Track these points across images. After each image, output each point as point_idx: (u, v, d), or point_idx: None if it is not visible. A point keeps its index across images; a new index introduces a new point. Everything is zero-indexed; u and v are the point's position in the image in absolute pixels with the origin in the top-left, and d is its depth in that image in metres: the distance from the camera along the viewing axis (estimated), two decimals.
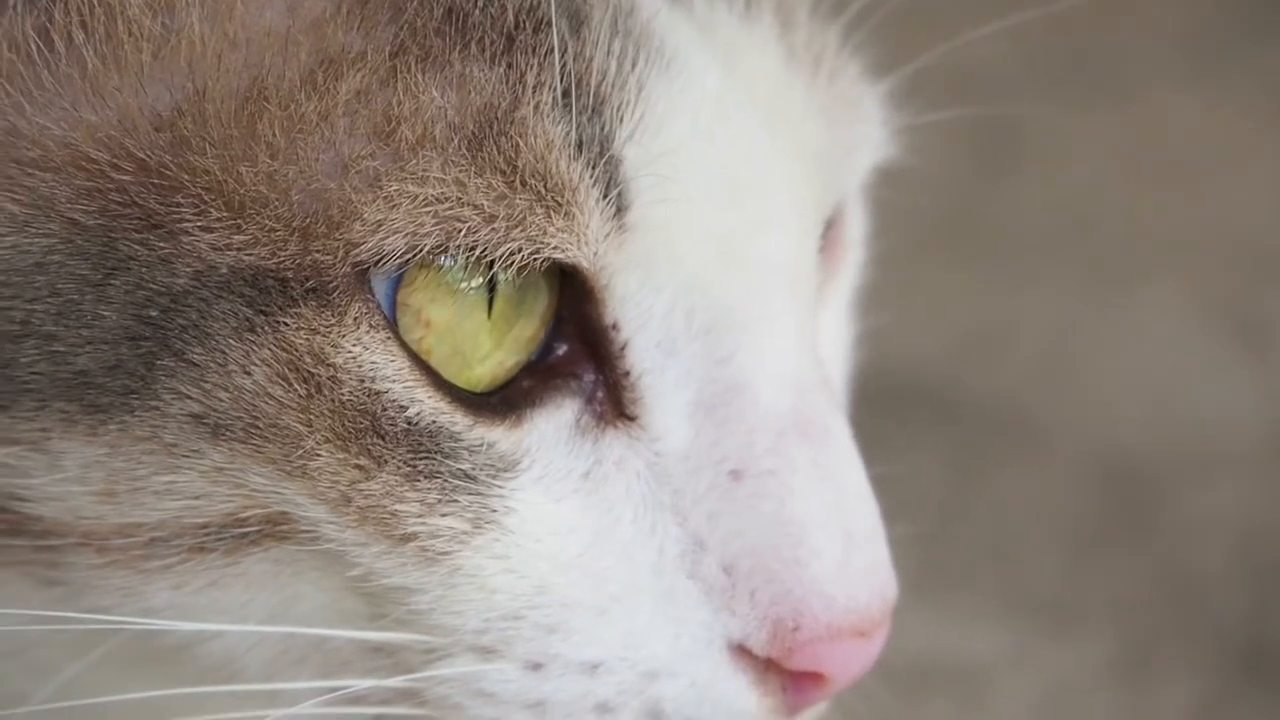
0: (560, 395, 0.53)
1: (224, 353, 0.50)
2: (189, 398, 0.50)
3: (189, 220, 0.50)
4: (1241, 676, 0.99)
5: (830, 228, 0.61)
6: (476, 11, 0.51)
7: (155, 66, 0.50)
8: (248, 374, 0.50)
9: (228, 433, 0.50)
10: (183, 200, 0.50)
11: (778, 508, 0.53)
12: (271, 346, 0.50)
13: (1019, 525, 1.07)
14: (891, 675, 0.91)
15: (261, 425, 0.50)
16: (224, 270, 0.50)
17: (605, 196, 0.51)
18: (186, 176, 0.50)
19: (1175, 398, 1.19)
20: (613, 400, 0.53)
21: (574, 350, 0.53)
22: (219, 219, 0.50)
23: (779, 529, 0.53)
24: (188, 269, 0.50)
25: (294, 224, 0.50)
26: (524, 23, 0.51)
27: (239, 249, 0.50)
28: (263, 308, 0.50)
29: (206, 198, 0.50)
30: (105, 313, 0.50)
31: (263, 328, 0.50)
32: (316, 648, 0.53)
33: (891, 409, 1.08)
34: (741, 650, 0.53)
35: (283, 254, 0.50)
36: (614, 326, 0.53)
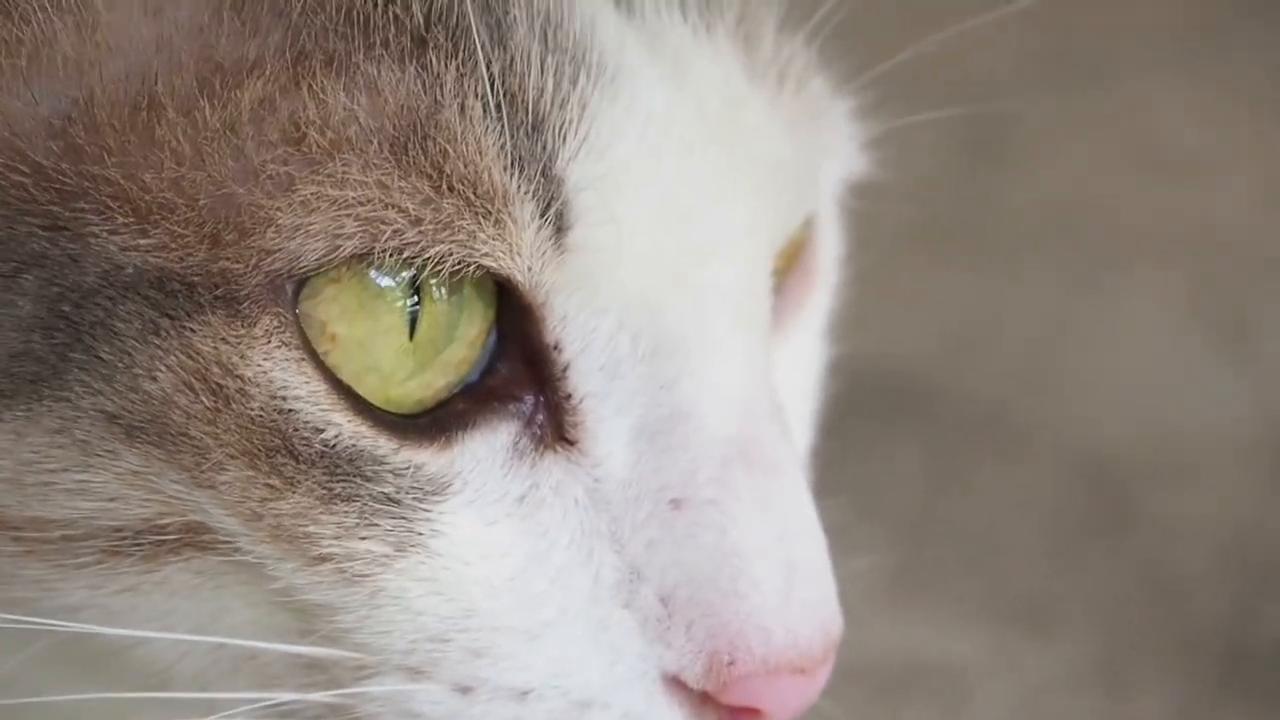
0: (497, 418, 0.52)
1: (130, 355, 0.49)
2: (101, 394, 0.49)
3: (94, 224, 0.49)
4: (1222, 679, 0.99)
5: (801, 252, 0.60)
6: (377, 13, 0.50)
7: (33, 74, 0.49)
8: (153, 379, 0.49)
9: (142, 435, 0.49)
10: (86, 205, 0.49)
11: (718, 538, 0.52)
12: (178, 353, 0.49)
13: (1000, 526, 1.07)
14: (870, 677, 0.91)
15: (171, 432, 0.49)
16: (130, 271, 0.49)
17: (544, 214, 0.50)
18: (87, 184, 0.49)
19: (1158, 398, 1.18)
20: (553, 423, 0.52)
21: (516, 371, 0.52)
22: (125, 224, 0.49)
23: (718, 560, 0.52)
24: (96, 268, 0.49)
25: (204, 230, 0.49)
26: (435, 26, 0.50)
27: (146, 251, 0.49)
28: (169, 311, 0.49)
29: (110, 204, 0.49)
30: (20, 302, 0.49)
31: (168, 332, 0.49)
32: (248, 659, 0.52)
33: (873, 408, 1.08)
34: (677, 682, 0.52)
35: (191, 260, 0.49)
36: (555, 347, 0.52)
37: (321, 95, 0.49)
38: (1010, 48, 1.45)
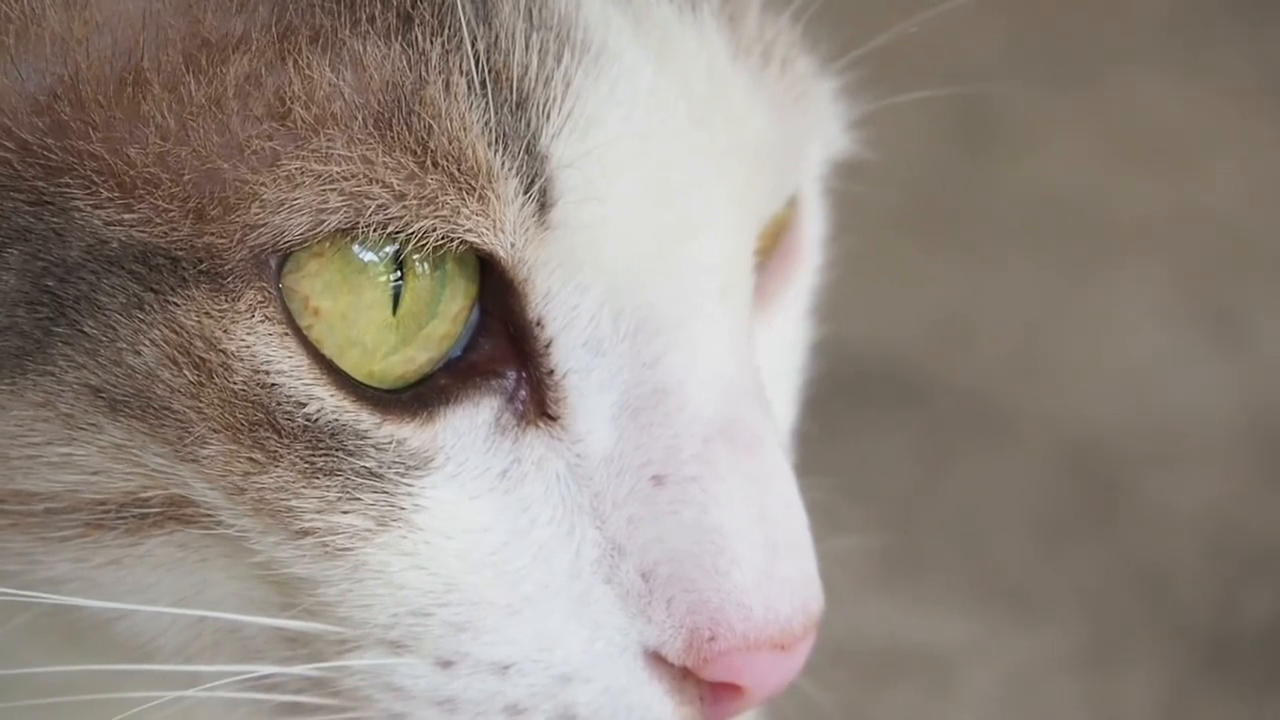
0: (480, 393, 0.52)
1: (114, 328, 0.49)
2: (84, 368, 0.49)
3: (79, 199, 0.49)
4: (1207, 666, 0.99)
5: (785, 232, 0.60)
6: None
7: (21, 51, 0.49)
8: (137, 353, 0.49)
9: (126, 409, 0.49)
10: (71, 180, 0.49)
11: (699, 515, 0.52)
12: (161, 327, 0.49)
13: (987, 513, 1.07)
14: (856, 661, 0.91)
15: (155, 406, 0.49)
16: (115, 245, 0.49)
17: (527, 191, 0.50)
18: (72, 159, 0.49)
19: (1146, 386, 1.19)
20: (535, 399, 0.52)
21: (499, 347, 0.52)
22: (110, 198, 0.49)
23: (699, 537, 0.52)
24: (80, 243, 0.49)
25: (188, 205, 0.49)
26: (422, 3, 0.50)
27: (130, 225, 0.49)
28: (153, 285, 0.49)
29: (95, 179, 0.49)
30: (4, 276, 0.49)
31: (152, 306, 0.49)
32: (230, 633, 0.52)
33: (861, 394, 1.08)
34: (657, 658, 0.52)
35: (175, 234, 0.49)
36: (538, 323, 0.52)
37: (307, 71, 0.49)
38: (999, 36, 1.45)
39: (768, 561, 0.52)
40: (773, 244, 0.60)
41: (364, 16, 0.50)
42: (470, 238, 0.50)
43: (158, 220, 0.49)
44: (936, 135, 1.33)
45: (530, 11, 0.51)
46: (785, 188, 0.57)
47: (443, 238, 0.50)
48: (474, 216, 0.50)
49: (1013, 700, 0.96)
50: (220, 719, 0.54)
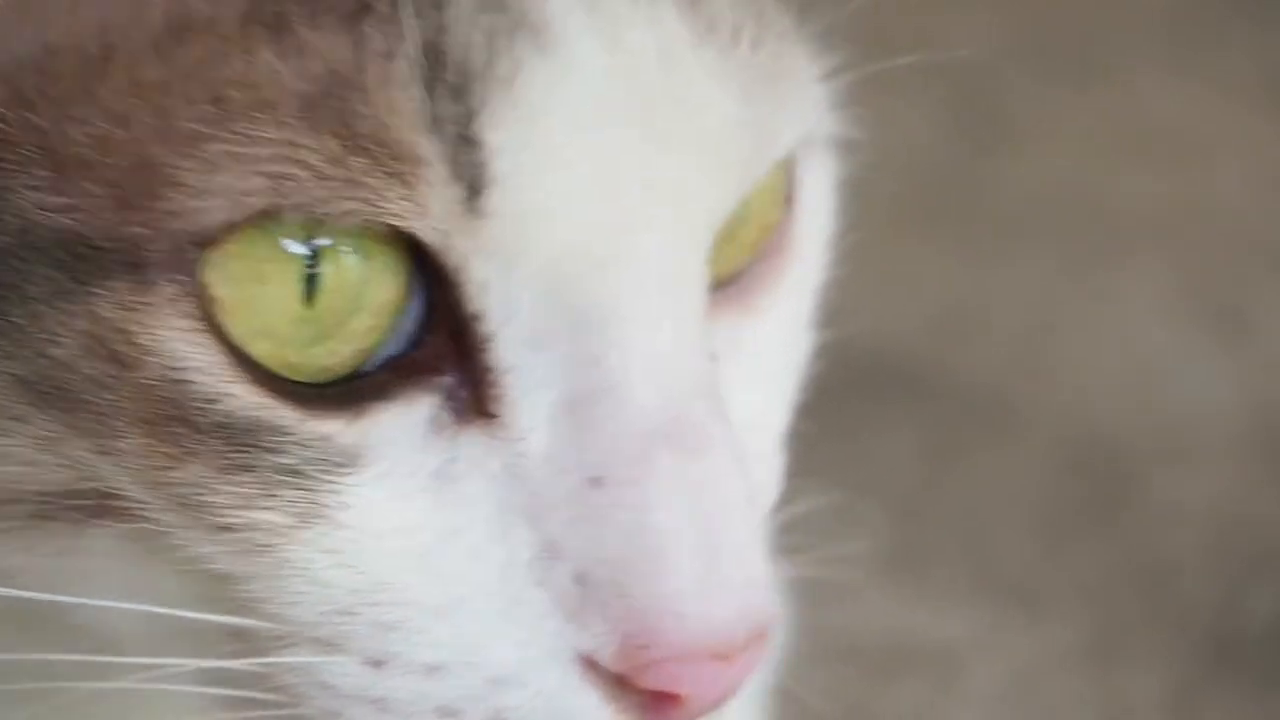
0: (418, 390, 0.50)
1: (38, 317, 0.48)
2: (11, 358, 0.49)
3: (14, 176, 0.48)
4: (1213, 663, 0.99)
5: (775, 228, 0.58)
6: None
7: (8, 17, 0.49)
8: (57, 344, 0.48)
9: (50, 401, 0.49)
10: (10, 156, 0.48)
11: (635, 518, 0.50)
12: (82, 317, 0.48)
13: (992, 507, 1.07)
14: (861, 657, 0.91)
15: (75, 399, 0.49)
16: (43, 231, 0.48)
17: (457, 177, 0.49)
18: (18, 133, 0.48)
19: (1153, 382, 1.18)
20: (475, 397, 0.51)
21: (442, 344, 0.51)
22: (43, 178, 0.48)
23: (634, 541, 0.50)
24: (12, 225, 0.48)
25: (115, 191, 0.48)
26: None
27: (58, 211, 0.48)
28: (76, 275, 0.48)
29: (34, 155, 0.48)
30: None
31: (74, 295, 0.48)
32: (185, 626, 0.51)
33: (866, 388, 1.08)
34: (592, 664, 0.50)
35: (101, 221, 0.48)
36: (476, 318, 0.50)
37: (251, 56, 0.48)
38: (1003, 30, 1.44)
39: (706, 568, 0.50)
40: (761, 238, 0.58)
41: (323, 7, 0.49)
42: (394, 221, 0.49)
43: (84, 207, 0.48)
44: (940, 130, 1.33)
45: None
46: (748, 177, 0.55)
47: (364, 221, 0.48)
48: (399, 201, 0.48)
49: (1018, 696, 0.95)
50: (180, 711, 0.53)
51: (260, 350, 0.49)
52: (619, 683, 0.51)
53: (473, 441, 0.51)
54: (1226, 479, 1.11)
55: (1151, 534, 1.06)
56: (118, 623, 0.51)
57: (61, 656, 0.51)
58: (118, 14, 0.49)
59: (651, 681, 0.50)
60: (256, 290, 0.49)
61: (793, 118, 0.56)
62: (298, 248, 0.49)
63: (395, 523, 0.50)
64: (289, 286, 0.49)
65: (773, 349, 0.59)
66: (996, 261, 1.27)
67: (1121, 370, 1.19)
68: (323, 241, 0.49)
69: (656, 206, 0.51)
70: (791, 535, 0.67)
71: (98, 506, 0.50)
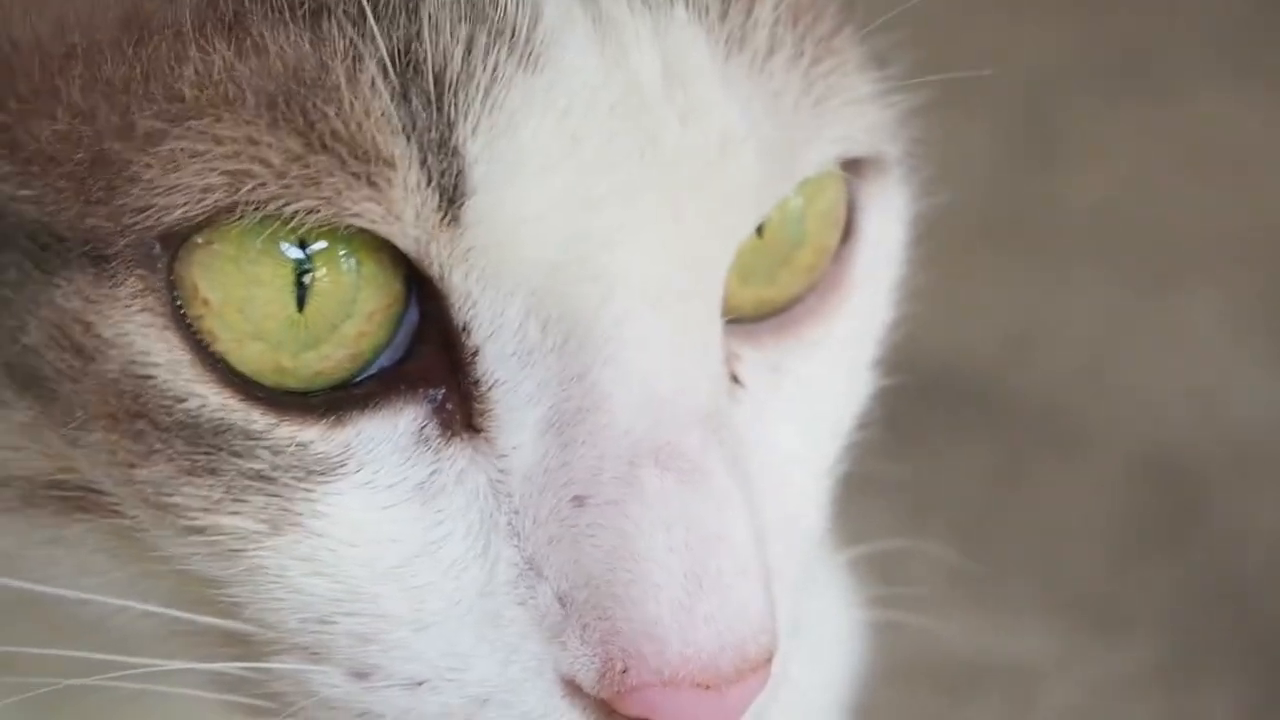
0: (405, 401, 0.50)
1: (7, 303, 0.49)
2: None
3: None
4: None
5: (823, 260, 0.56)
6: None
7: None
8: (26, 331, 0.49)
9: (28, 387, 0.49)
10: None
11: (617, 540, 0.49)
12: (46, 307, 0.48)
13: (1063, 525, 1.06)
14: (936, 675, 0.90)
15: (46, 387, 0.49)
16: (11, 220, 0.48)
17: (431, 183, 0.48)
18: None
19: (1220, 399, 1.18)
20: (463, 410, 0.50)
21: (434, 355, 0.50)
22: (10, 171, 0.48)
23: (616, 563, 0.49)
24: None
25: (78, 186, 0.48)
26: None
27: (23, 201, 0.48)
28: (42, 264, 0.48)
29: (2, 150, 0.48)
30: None
31: (40, 284, 0.48)
32: (181, 628, 0.51)
33: (935, 406, 1.08)
34: (575, 687, 0.50)
35: (65, 214, 0.48)
36: (463, 329, 0.50)
37: (210, 54, 0.48)
38: (1073, 49, 1.44)
39: (689, 595, 0.49)
40: (818, 262, 0.56)
41: (285, 5, 0.48)
42: (359, 222, 0.48)
43: (48, 200, 0.48)
44: (1004, 146, 1.33)
45: (467, 4, 0.49)
46: (774, 193, 0.53)
47: (325, 220, 0.48)
48: (363, 202, 0.48)
49: (1094, 715, 0.95)
50: (200, 715, 0.53)
51: (252, 353, 0.49)
52: (602, 708, 0.50)
53: (458, 455, 0.50)
54: None
55: (1222, 552, 1.06)
56: (117, 621, 0.51)
57: (64, 653, 0.51)
58: (78, 13, 0.49)
59: (631, 708, 0.50)
60: (247, 293, 0.49)
61: (834, 134, 0.54)
62: (292, 252, 0.49)
63: (375, 533, 0.50)
64: (280, 290, 0.49)
65: (821, 382, 0.57)
66: (1062, 278, 1.27)
67: (1189, 387, 1.18)
68: (316, 247, 0.49)
69: (652, 220, 0.50)
70: (862, 574, 0.67)
71: (81, 499, 0.50)
